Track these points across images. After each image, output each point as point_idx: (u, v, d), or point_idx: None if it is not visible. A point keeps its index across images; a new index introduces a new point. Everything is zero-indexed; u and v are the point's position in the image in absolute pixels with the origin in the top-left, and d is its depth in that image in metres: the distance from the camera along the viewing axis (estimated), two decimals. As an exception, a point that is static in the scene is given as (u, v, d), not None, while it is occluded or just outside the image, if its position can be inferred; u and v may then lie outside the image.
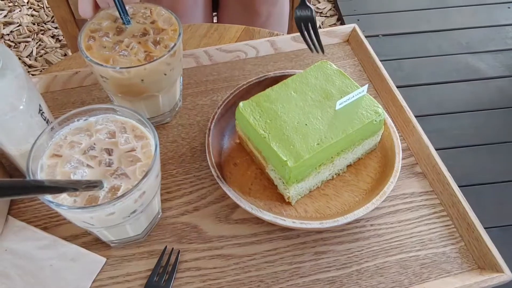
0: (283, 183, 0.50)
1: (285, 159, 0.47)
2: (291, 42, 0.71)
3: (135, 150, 0.45)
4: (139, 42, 0.52)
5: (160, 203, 0.52)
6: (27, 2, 1.96)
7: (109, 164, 0.43)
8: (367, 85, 0.52)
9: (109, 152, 0.44)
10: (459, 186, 0.53)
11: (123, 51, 0.51)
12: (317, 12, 1.99)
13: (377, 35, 1.82)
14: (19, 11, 1.92)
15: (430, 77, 1.66)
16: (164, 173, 0.57)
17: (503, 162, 1.40)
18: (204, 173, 0.57)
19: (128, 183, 0.42)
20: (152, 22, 0.54)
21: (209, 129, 0.56)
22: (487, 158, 1.42)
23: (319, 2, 2.04)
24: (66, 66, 0.70)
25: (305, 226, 0.48)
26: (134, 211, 0.43)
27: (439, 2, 1.96)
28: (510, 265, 0.48)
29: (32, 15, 1.91)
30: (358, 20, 1.87)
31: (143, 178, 0.41)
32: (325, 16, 1.97)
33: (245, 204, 0.49)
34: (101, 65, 0.50)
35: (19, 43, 1.80)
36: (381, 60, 0.66)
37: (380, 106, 0.52)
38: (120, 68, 0.49)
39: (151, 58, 0.51)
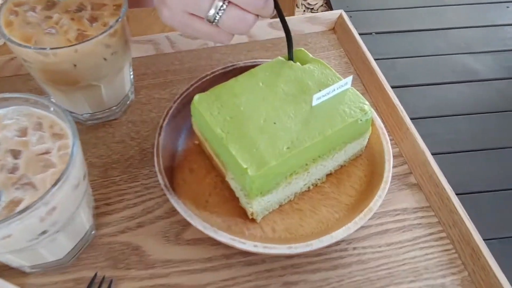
0: (245, 195, 0.40)
1: (245, 166, 0.37)
2: (267, 29, 0.62)
3: (49, 152, 0.35)
4: (72, 19, 0.42)
5: (92, 219, 0.42)
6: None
7: (13, 171, 0.33)
8: (351, 77, 0.43)
9: (15, 154, 0.34)
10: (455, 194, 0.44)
11: (49, 29, 0.41)
12: (308, 8, 1.90)
13: (370, 33, 1.73)
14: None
15: (425, 77, 1.57)
16: (105, 180, 0.47)
17: (502, 168, 1.32)
18: (154, 181, 0.47)
19: (35, 195, 0.32)
20: (92, -4, 0.44)
21: (161, 127, 0.46)
22: (485, 165, 1.33)
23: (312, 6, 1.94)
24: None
25: (269, 251, 0.38)
26: (44, 232, 0.33)
27: (434, 0, 1.87)
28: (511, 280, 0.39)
29: None
30: (351, 17, 1.77)
31: (51, 188, 0.31)
32: (316, 12, 1.87)
33: (196, 221, 0.39)
34: (20, 44, 0.40)
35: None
36: (374, 60, 0.56)
37: (367, 102, 0.43)
38: (43, 48, 0.39)
39: (84, 37, 0.41)
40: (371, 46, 1.75)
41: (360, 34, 0.59)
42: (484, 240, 0.41)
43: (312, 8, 1.88)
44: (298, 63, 0.45)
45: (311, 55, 0.46)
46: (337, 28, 0.63)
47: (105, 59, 0.43)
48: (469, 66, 1.60)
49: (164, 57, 0.59)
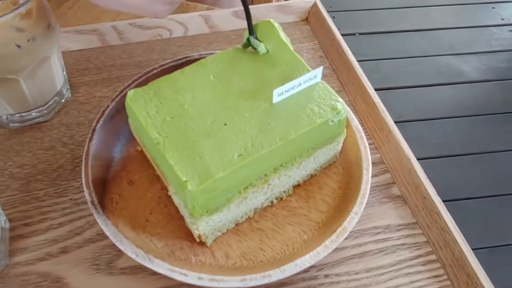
0: (189, 214, 0.32)
1: (184, 178, 0.29)
2: (231, 18, 0.54)
3: None
4: (-24, -4, 0.34)
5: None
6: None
7: None
8: (321, 68, 0.35)
9: None
10: (442, 201, 0.37)
11: None
12: (289, 8, 1.84)
13: (354, 34, 1.67)
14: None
15: (410, 79, 1.51)
16: (27, 195, 0.38)
17: (490, 174, 1.26)
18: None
19: None
20: (4, -30, 0.36)
21: (93, 130, 0.38)
22: (473, 170, 1.26)
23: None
24: None
25: (217, 284, 0.30)
26: None
27: (419, 0, 1.82)
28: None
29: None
30: (334, 17, 1.72)
31: None
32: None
33: (126, 246, 0.32)
34: None
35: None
36: (357, 61, 0.49)
37: (340, 100, 0.35)
38: None
39: (-13, 18, 0.33)
40: (355, 47, 1.69)
41: (343, 35, 0.52)
42: (472, 249, 0.34)
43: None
44: (260, 50, 0.38)
45: (281, 31, 0.38)
46: (311, 18, 0.56)
47: (18, 46, 0.35)
48: (455, 68, 1.55)
49: (110, 49, 0.51)
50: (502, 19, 1.74)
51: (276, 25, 0.38)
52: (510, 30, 1.69)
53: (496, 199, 1.21)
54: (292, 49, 0.38)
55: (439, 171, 1.25)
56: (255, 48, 0.38)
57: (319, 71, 0.35)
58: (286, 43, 0.38)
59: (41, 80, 0.40)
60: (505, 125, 1.38)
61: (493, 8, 1.79)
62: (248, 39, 0.38)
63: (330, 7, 1.78)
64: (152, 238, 0.35)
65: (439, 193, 0.38)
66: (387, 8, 1.78)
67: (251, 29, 0.38)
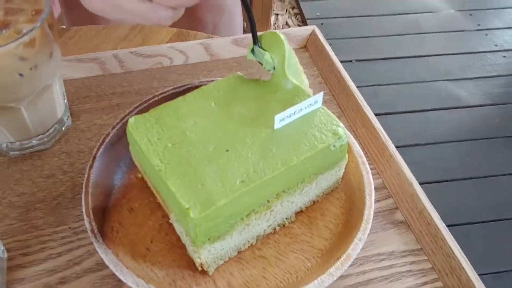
0: (191, 242, 0.32)
1: (186, 205, 0.29)
2: (231, 46, 0.55)
3: None
4: (-21, 26, 0.35)
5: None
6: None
7: None
8: (321, 94, 0.35)
9: None
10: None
11: (-52, 38, 0.33)
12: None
13: (351, 60, 1.69)
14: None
15: (408, 104, 1.52)
16: (25, 224, 0.38)
17: (491, 198, 1.25)
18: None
19: None
20: (8, 0, 0.37)
21: (94, 158, 0.38)
22: (474, 194, 1.26)
23: (289, 26, 1.91)
24: None
25: (220, 316, 0.29)
26: None
27: (413, 28, 1.85)
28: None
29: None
30: (331, 44, 1.74)
31: None
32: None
33: (127, 276, 0.31)
34: None
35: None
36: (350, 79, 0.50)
37: (341, 125, 0.35)
38: None
39: (-9, 48, 0.33)
40: (352, 73, 1.70)
41: (340, 61, 0.52)
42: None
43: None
44: (266, 59, 0.37)
45: (287, 43, 0.37)
46: (309, 45, 0.57)
47: (21, 74, 0.35)
48: (452, 93, 1.56)
49: (111, 77, 0.51)
50: (496, 45, 1.77)
51: (282, 36, 0.37)
52: (504, 56, 1.72)
53: (499, 224, 1.21)
54: (297, 60, 0.38)
55: (440, 195, 1.25)
56: (260, 61, 0.38)
57: (319, 96, 0.35)
58: (292, 50, 0.37)
59: (42, 108, 0.40)
60: (505, 149, 1.38)
61: (486, 35, 1.82)
62: (252, 50, 0.38)
63: (327, 34, 1.81)
64: (153, 267, 0.34)
65: (441, 218, 0.37)
66: (382, 35, 1.81)
67: (256, 38, 0.37)
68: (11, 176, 0.41)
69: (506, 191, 1.27)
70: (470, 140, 1.41)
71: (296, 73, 0.38)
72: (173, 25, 0.76)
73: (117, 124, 0.40)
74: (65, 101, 0.44)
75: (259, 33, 0.38)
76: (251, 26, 0.36)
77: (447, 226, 0.37)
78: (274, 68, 0.38)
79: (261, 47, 0.37)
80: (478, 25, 1.87)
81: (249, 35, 0.52)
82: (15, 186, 0.41)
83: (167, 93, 0.43)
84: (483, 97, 1.55)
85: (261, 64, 0.38)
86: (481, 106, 1.52)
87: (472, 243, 1.16)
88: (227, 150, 0.32)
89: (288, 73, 0.37)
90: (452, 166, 1.32)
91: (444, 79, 1.62)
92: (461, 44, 1.78)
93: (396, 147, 0.43)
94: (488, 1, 2.01)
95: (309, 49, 0.57)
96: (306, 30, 0.56)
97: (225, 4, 0.76)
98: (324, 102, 0.49)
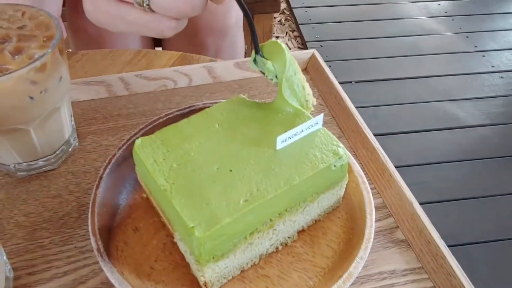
0: (195, 261, 0.32)
1: (191, 224, 0.30)
2: (233, 69, 0.56)
3: None
4: (-7, 52, 0.36)
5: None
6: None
7: None
8: (322, 115, 0.37)
9: None
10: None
11: (-37, 63, 0.35)
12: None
13: (350, 82, 1.71)
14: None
15: (408, 125, 1.53)
16: (31, 243, 0.39)
17: (493, 218, 1.25)
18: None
19: None
20: (21, 27, 0.38)
21: (100, 178, 0.39)
22: (476, 214, 1.26)
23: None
24: None
25: (224, 334, 0.30)
26: None
27: (411, 49, 1.89)
28: None
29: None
30: (330, 66, 1.77)
31: None
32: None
33: (133, 296, 0.31)
34: None
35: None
36: (350, 101, 0.51)
37: (341, 145, 0.36)
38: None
39: (3, 71, 0.34)
40: (352, 94, 1.73)
41: (340, 82, 0.54)
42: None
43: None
44: (268, 67, 0.38)
45: (287, 52, 0.38)
46: (310, 68, 0.58)
47: (31, 97, 0.36)
48: (451, 113, 1.58)
49: (117, 99, 0.52)
50: (493, 66, 1.80)
51: (283, 45, 0.38)
52: (501, 77, 1.74)
53: (501, 244, 1.20)
54: (299, 70, 0.39)
55: (442, 216, 1.25)
56: (262, 70, 0.38)
57: (320, 118, 0.37)
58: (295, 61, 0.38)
59: (50, 129, 0.41)
60: (504, 169, 1.39)
61: (483, 56, 1.85)
62: (255, 59, 0.38)
63: (326, 56, 1.84)
64: (157, 286, 0.34)
65: (443, 238, 0.38)
66: (381, 57, 1.84)
67: (257, 48, 0.38)
68: (18, 196, 0.42)
69: (508, 211, 1.27)
70: (470, 159, 1.42)
71: (299, 82, 0.39)
72: (177, 49, 0.78)
73: (123, 145, 0.41)
74: (73, 122, 0.45)
75: (261, 44, 0.38)
76: (252, 35, 0.37)
77: (450, 246, 0.37)
78: (276, 77, 0.38)
79: (263, 56, 0.38)
80: (475, 46, 1.91)
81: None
82: (22, 206, 0.42)
83: (172, 115, 0.44)
84: (482, 117, 1.57)
85: (263, 74, 0.38)
86: (480, 126, 1.53)
87: (474, 263, 1.16)
88: (231, 170, 0.33)
89: (290, 85, 0.38)
90: (453, 186, 1.33)
91: (443, 100, 1.64)
92: (459, 65, 1.81)
93: (397, 167, 0.44)
94: (483, 24, 2.05)
95: (309, 71, 0.58)
96: (306, 53, 0.58)
97: (227, 28, 0.78)
98: (325, 123, 0.51)
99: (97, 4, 0.32)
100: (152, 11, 0.32)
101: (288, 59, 0.37)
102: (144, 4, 0.31)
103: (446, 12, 2.14)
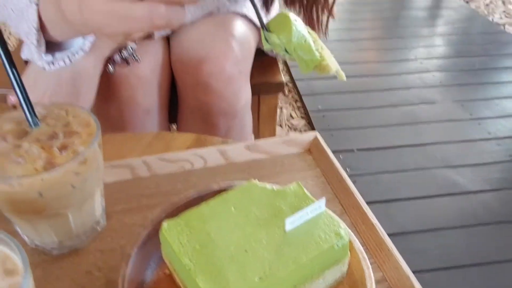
0: (215, 334, 0.36)
1: (213, 300, 0.34)
2: (244, 151, 0.63)
3: (-3, 292, 0.32)
4: (43, 147, 0.42)
5: None
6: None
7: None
8: (324, 199, 0.42)
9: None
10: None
11: (18, 158, 0.41)
12: (290, 128, 1.99)
13: (352, 150, 1.78)
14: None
15: (409, 191, 1.58)
16: (64, 318, 0.43)
17: (498, 285, 1.26)
18: (118, 317, 0.43)
19: None
20: (66, 125, 0.45)
21: (129, 255, 0.44)
22: (480, 281, 1.27)
23: (293, 118, 2.04)
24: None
25: None
26: None
27: (409, 118, 1.97)
28: None
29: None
30: (332, 135, 1.85)
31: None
32: (299, 132, 1.95)
33: None
34: (-15, 175, 0.39)
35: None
36: (357, 175, 0.57)
37: (342, 225, 0.42)
38: (7, 178, 0.39)
39: (52, 166, 0.40)
40: (354, 162, 1.81)
41: (342, 151, 0.60)
42: None
43: (295, 128, 1.97)
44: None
45: (293, 18, 0.41)
46: (312, 149, 0.64)
47: (73, 186, 0.42)
48: (450, 179, 1.63)
49: (140, 181, 0.58)
50: (489, 133, 1.87)
51: (288, 14, 0.41)
52: (499, 144, 1.81)
53: (508, 312, 1.20)
54: (307, 29, 0.42)
55: (446, 283, 1.26)
56: (273, 47, 0.42)
57: (322, 202, 0.42)
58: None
59: (85, 212, 0.47)
60: (506, 235, 1.41)
61: (479, 124, 1.93)
62: (266, 38, 0.42)
63: (328, 125, 1.92)
64: None
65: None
66: (381, 126, 1.92)
67: (262, 24, 0.42)
68: (52, 273, 0.47)
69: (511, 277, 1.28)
70: (472, 225, 1.44)
71: (309, 39, 0.41)
72: (191, 128, 0.85)
73: (148, 225, 0.47)
74: (103, 204, 0.51)
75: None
76: (256, 13, 0.41)
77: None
78: (285, 50, 0.41)
79: (268, 31, 0.41)
80: (470, 114, 1.99)
81: (259, 141, 0.61)
82: (55, 282, 0.46)
83: (191, 198, 0.50)
84: (481, 183, 1.61)
85: (276, 53, 0.43)
86: (480, 192, 1.57)
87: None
88: (246, 250, 0.38)
89: (302, 48, 0.41)
90: (455, 253, 1.35)
91: (442, 166, 1.69)
92: (456, 133, 1.89)
93: (399, 234, 0.48)
94: (477, 93, 2.16)
95: (312, 152, 0.64)
96: (309, 136, 0.65)
97: (236, 110, 0.85)
98: (328, 201, 0.56)
99: (89, 4, 0.34)
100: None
101: (293, 24, 0.40)
102: None
103: (440, 82, 2.26)
